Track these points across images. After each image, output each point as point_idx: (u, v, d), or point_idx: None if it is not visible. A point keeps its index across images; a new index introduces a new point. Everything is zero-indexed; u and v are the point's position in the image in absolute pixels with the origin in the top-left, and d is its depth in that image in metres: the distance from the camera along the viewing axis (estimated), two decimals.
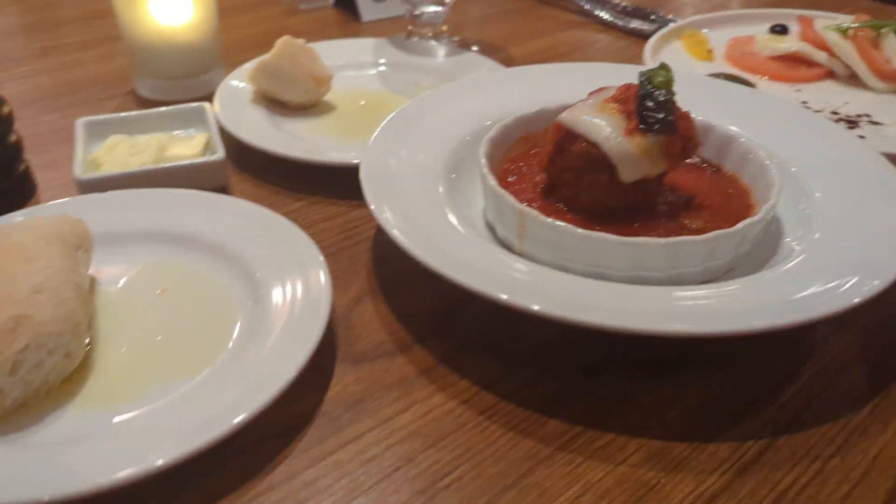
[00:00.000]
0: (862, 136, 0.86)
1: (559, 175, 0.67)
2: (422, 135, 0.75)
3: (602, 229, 0.63)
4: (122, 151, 0.80)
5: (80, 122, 0.83)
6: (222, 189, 0.79)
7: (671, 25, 1.09)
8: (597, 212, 0.65)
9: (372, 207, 0.63)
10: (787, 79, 0.99)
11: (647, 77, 0.64)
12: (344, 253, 0.71)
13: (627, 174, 0.63)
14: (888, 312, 0.63)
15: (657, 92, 0.63)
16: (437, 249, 0.59)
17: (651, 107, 0.63)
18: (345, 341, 0.61)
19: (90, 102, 0.98)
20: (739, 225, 0.60)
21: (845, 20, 1.06)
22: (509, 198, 0.63)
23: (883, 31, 0.97)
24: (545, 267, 0.60)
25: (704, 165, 0.73)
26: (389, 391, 0.57)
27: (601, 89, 0.68)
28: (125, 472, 0.46)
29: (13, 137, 0.77)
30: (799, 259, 0.60)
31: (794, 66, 1.00)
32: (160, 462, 0.47)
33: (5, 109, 0.76)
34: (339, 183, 0.77)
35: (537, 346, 0.61)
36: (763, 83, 0.99)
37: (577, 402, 0.56)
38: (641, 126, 0.63)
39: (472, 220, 0.69)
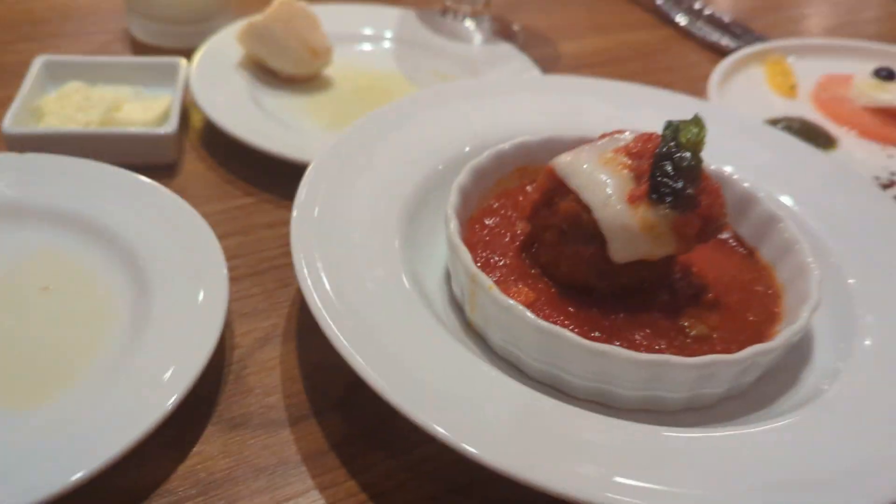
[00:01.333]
0: None
1: (541, 233, 0.53)
2: (398, 145, 0.61)
3: (576, 313, 0.50)
4: (73, 103, 0.70)
5: (39, 61, 0.73)
6: (170, 166, 0.68)
7: (753, 47, 0.91)
8: (577, 288, 0.52)
9: (294, 248, 0.51)
10: (880, 138, 0.81)
11: (673, 131, 0.50)
12: (276, 273, 0.59)
13: (620, 252, 0.49)
14: None
15: (681, 154, 0.49)
16: (357, 326, 0.46)
17: (669, 172, 0.48)
18: (229, 393, 0.50)
19: (75, 36, 0.87)
20: (745, 352, 0.45)
21: None
22: (464, 255, 0.50)
23: None
24: (476, 362, 0.46)
25: (736, 245, 0.58)
26: (257, 477, 0.45)
27: (617, 132, 0.53)
28: None
29: None
30: (806, 415, 0.45)
31: (893, 123, 0.82)
32: None
33: None
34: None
35: (448, 457, 0.48)
36: (848, 139, 0.81)
37: None
38: (652, 195, 0.48)
39: (436, 264, 0.56)
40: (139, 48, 0.86)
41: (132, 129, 0.66)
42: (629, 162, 0.50)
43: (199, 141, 0.72)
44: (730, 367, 0.45)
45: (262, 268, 0.59)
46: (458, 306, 0.54)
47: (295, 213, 0.53)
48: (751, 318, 0.51)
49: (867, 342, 0.49)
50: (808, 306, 0.48)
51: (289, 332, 0.55)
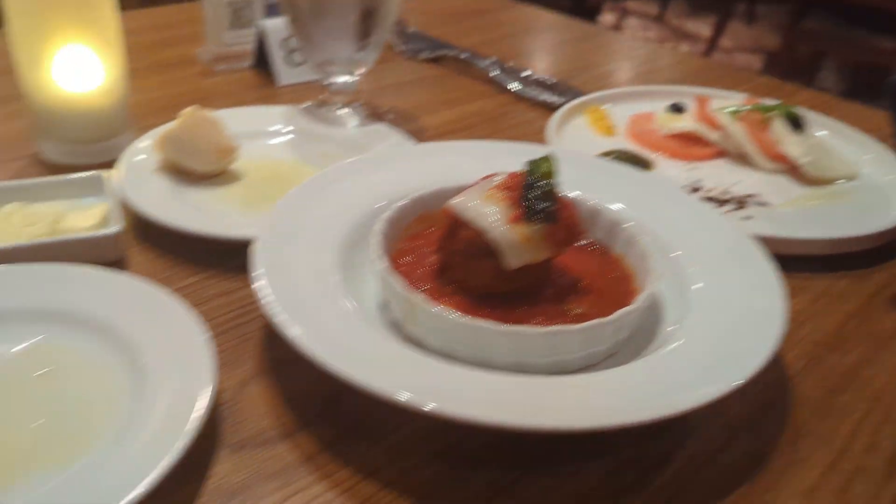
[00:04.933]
0: (749, 217, 0.90)
1: (450, 258, 0.68)
2: (319, 213, 0.75)
3: (489, 313, 0.65)
4: (17, 221, 0.79)
5: None
6: (118, 262, 0.78)
7: (575, 101, 1.13)
8: (485, 295, 0.67)
9: (256, 287, 0.64)
10: (682, 157, 1.04)
11: (532, 167, 0.67)
12: (235, 332, 0.71)
13: (512, 261, 0.65)
14: (760, 391, 0.66)
15: (540, 182, 0.66)
16: (319, 336, 0.60)
17: (534, 196, 0.65)
18: (229, 427, 0.61)
19: None
20: (615, 314, 0.62)
21: (740, 98, 1.12)
22: (397, 283, 0.64)
23: (770, 114, 1.02)
24: (424, 357, 0.61)
25: (593, 248, 0.76)
26: (269, 481, 0.56)
27: (491, 175, 0.70)
28: None
29: None
30: (670, 348, 0.62)
31: (690, 145, 1.05)
32: None
33: None
34: (237, 256, 0.76)
35: (418, 435, 0.61)
36: (661, 160, 1.03)
37: (456, 492, 0.57)
38: (525, 215, 0.65)
39: (369, 299, 0.70)
40: (52, 168, 0.95)
41: (83, 234, 0.76)
42: (505, 194, 0.67)
43: (138, 238, 0.83)
44: (606, 326, 0.62)
45: (223, 328, 0.71)
46: (393, 326, 0.68)
47: (258, 270, 0.65)
48: (615, 295, 0.69)
49: (699, 285, 0.69)
50: (652, 278, 0.66)
51: (262, 372, 0.66)
